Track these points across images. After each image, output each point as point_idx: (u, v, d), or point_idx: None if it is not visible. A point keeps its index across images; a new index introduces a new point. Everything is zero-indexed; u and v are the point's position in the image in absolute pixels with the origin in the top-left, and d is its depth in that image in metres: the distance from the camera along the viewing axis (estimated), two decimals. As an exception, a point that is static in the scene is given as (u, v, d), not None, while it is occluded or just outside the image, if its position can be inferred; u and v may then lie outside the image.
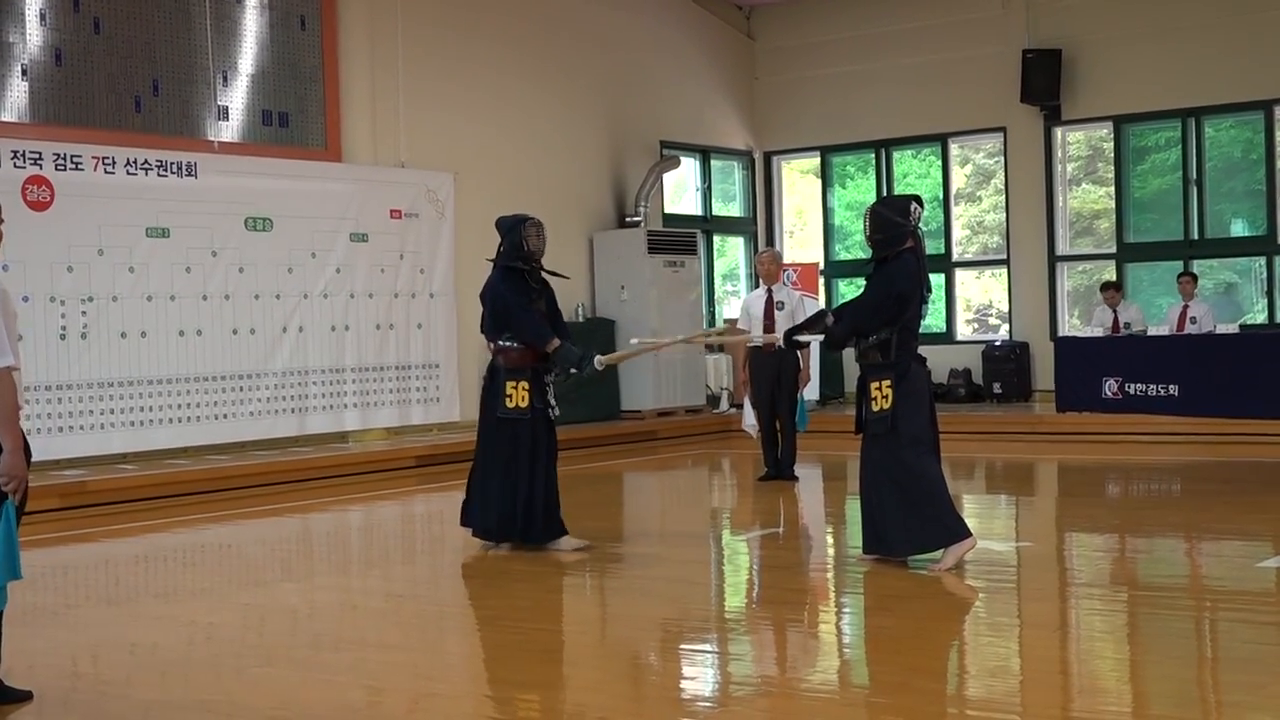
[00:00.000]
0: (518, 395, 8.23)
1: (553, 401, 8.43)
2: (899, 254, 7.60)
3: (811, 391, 16.93)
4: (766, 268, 11.69)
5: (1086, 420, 13.87)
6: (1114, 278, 16.55)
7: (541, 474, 8.32)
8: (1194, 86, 16.35)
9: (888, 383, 7.47)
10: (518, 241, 8.50)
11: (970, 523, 10.07)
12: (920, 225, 7.80)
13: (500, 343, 8.37)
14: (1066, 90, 16.99)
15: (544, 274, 8.59)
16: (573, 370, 8.38)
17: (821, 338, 7.89)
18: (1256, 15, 16.03)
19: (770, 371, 11.33)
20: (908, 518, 7.49)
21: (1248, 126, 16.61)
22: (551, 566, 8.06)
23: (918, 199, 7.75)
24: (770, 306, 11.42)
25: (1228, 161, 16.91)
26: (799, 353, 11.31)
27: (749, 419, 11.76)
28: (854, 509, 10.93)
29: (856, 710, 5.10)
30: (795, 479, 11.49)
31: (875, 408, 7.51)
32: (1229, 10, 16.20)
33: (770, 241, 19.47)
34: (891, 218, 7.64)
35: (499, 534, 8.38)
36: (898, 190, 18.72)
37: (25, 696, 5.29)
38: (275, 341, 13.32)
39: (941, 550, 7.48)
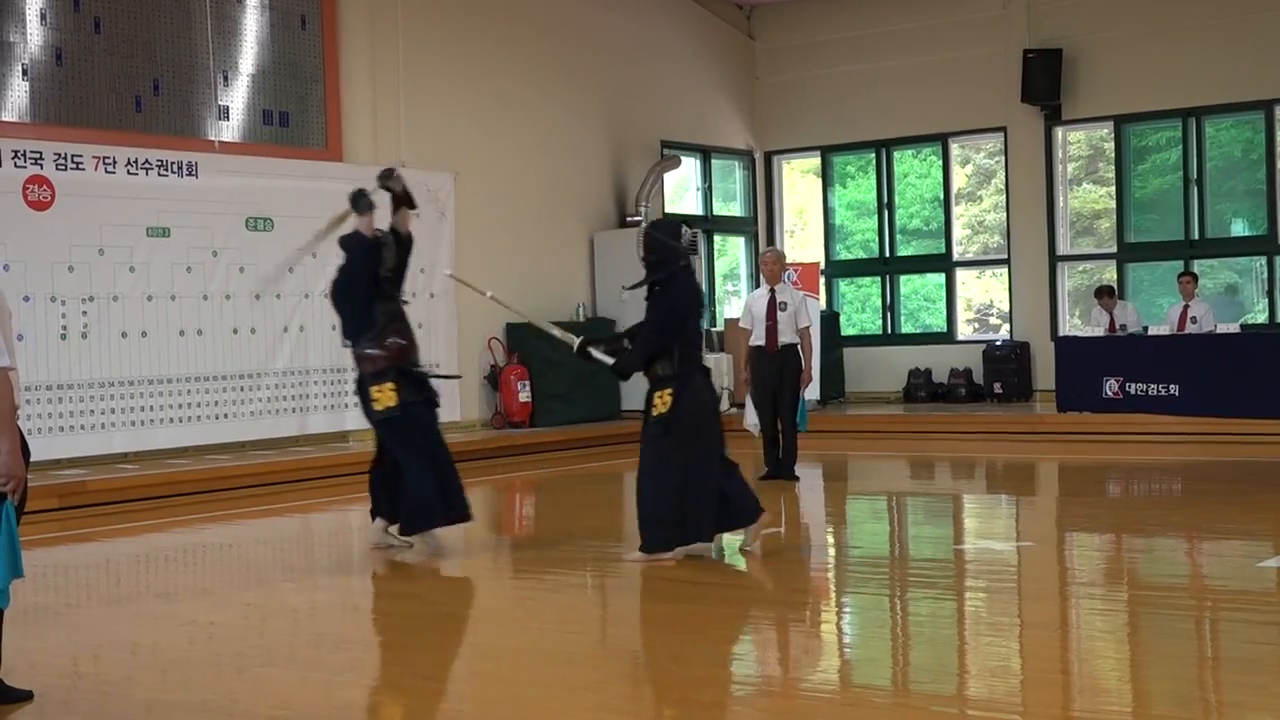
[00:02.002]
0: (384, 396, 8.32)
1: (427, 392, 8.56)
2: (673, 275, 7.85)
3: (812, 391, 16.93)
4: (770, 268, 11.68)
5: (1087, 420, 13.87)
6: (1110, 281, 16.53)
7: (432, 458, 8.49)
8: (1194, 86, 16.35)
9: (669, 392, 7.76)
10: (353, 240, 8.76)
11: (971, 523, 10.12)
12: (691, 246, 8.00)
13: (359, 348, 8.50)
14: (1067, 90, 16.98)
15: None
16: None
17: (611, 360, 8.20)
18: (1257, 15, 16.03)
19: (772, 371, 11.33)
20: (656, 516, 7.76)
21: (1248, 126, 16.61)
22: (551, 566, 8.06)
23: (688, 222, 8.10)
24: (773, 307, 11.41)
25: (1228, 161, 16.91)
26: (800, 353, 11.32)
27: (750, 418, 11.75)
28: (855, 509, 10.96)
29: (857, 710, 5.09)
30: (796, 479, 11.48)
31: (655, 413, 7.80)
32: (1229, 10, 16.20)
33: (771, 241, 19.45)
34: (664, 240, 7.91)
35: (449, 517, 8.48)
36: (898, 190, 18.74)
37: (26, 696, 5.29)
38: (276, 341, 13.32)
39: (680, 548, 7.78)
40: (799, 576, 7.95)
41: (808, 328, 11.44)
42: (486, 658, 6.20)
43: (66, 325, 11.89)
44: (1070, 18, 17.02)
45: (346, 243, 8.68)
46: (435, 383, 8.85)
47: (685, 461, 7.74)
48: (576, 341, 8.43)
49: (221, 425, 12.91)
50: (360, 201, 8.57)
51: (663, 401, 7.75)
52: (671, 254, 7.84)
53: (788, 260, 18.55)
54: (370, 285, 8.54)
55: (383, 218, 8.76)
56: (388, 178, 8.70)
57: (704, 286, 17.72)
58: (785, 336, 11.33)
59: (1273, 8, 15.92)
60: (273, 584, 8.09)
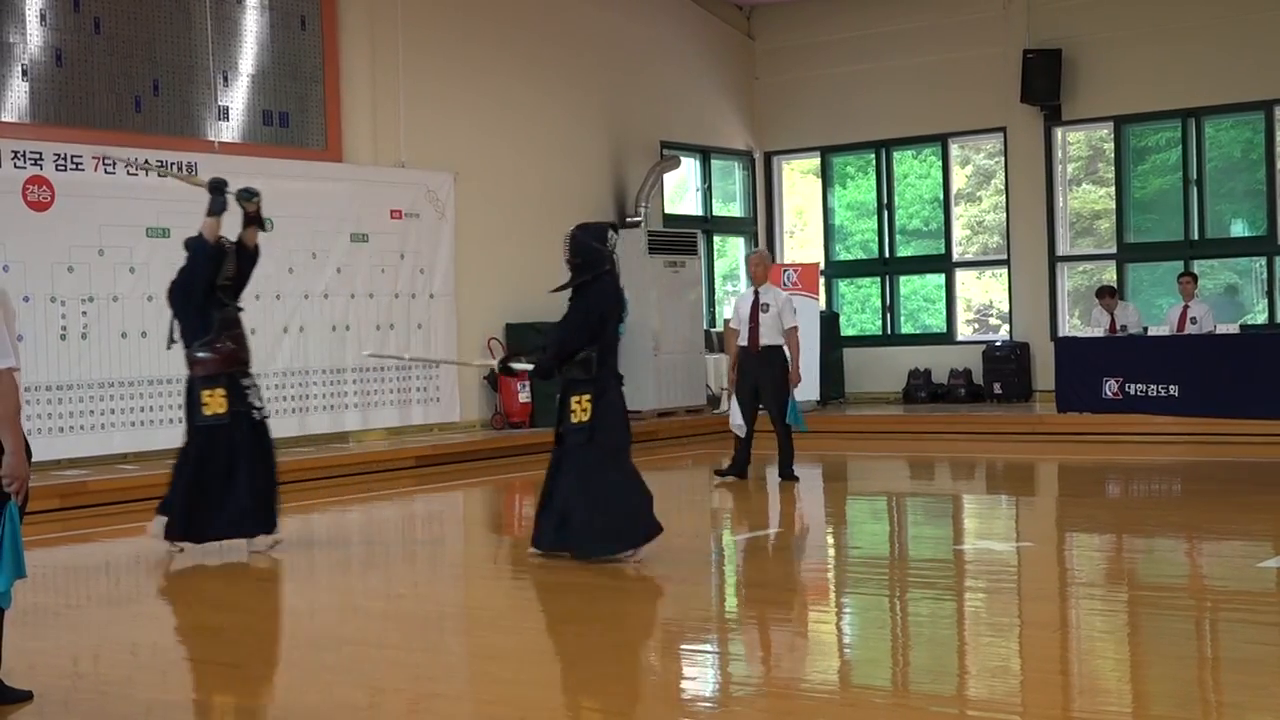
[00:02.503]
0: (214, 402, 8.36)
1: (256, 402, 8.60)
2: (597, 277, 7.85)
3: (811, 392, 16.94)
4: (754, 269, 11.73)
5: (1087, 421, 13.87)
6: (1111, 281, 16.54)
7: (251, 471, 8.49)
8: (1194, 87, 16.35)
9: (588, 397, 7.76)
10: (193, 242, 8.70)
11: (970, 524, 10.12)
12: (616, 250, 8.01)
13: (194, 352, 8.51)
14: (1067, 90, 16.98)
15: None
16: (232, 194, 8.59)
17: (531, 367, 8.19)
18: (1256, 16, 16.03)
19: (753, 372, 11.37)
20: (599, 522, 7.76)
21: (1248, 126, 16.61)
22: (551, 566, 8.06)
23: (614, 226, 8.09)
24: (756, 308, 11.43)
25: (1228, 162, 16.91)
26: (788, 354, 11.34)
27: (735, 418, 11.77)
28: (854, 509, 10.96)
29: (857, 710, 5.10)
30: (795, 479, 11.49)
31: (574, 420, 7.80)
32: (1229, 11, 16.21)
33: (770, 242, 19.47)
34: (590, 243, 7.90)
35: (234, 532, 8.54)
36: (898, 191, 18.74)
37: (26, 697, 5.29)
38: (276, 341, 13.32)
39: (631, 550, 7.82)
40: (798, 577, 7.95)
41: (794, 329, 11.44)
42: (486, 658, 6.20)
43: (66, 325, 11.89)
44: (1070, 18, 17.02)
45: (189, 245, 8.70)
46: (263, 394, 8.86)
47: (611, 467, 7.79)
48: (496, 361, 8.46)
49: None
50: (214, 199, 8.60)
51: (581, 407, 7.76)
52: (597, 257, 7.85)
53: (787, 260, 18.73)
54: (208, 290, 8.57)
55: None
56: (246, 197, 8.72)
57: (703, 287, 17.74)
58: (767, 338, 11.35)
59: (1272, 8, 15.92)
60: (273, 584, 8.08)
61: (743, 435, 11.68)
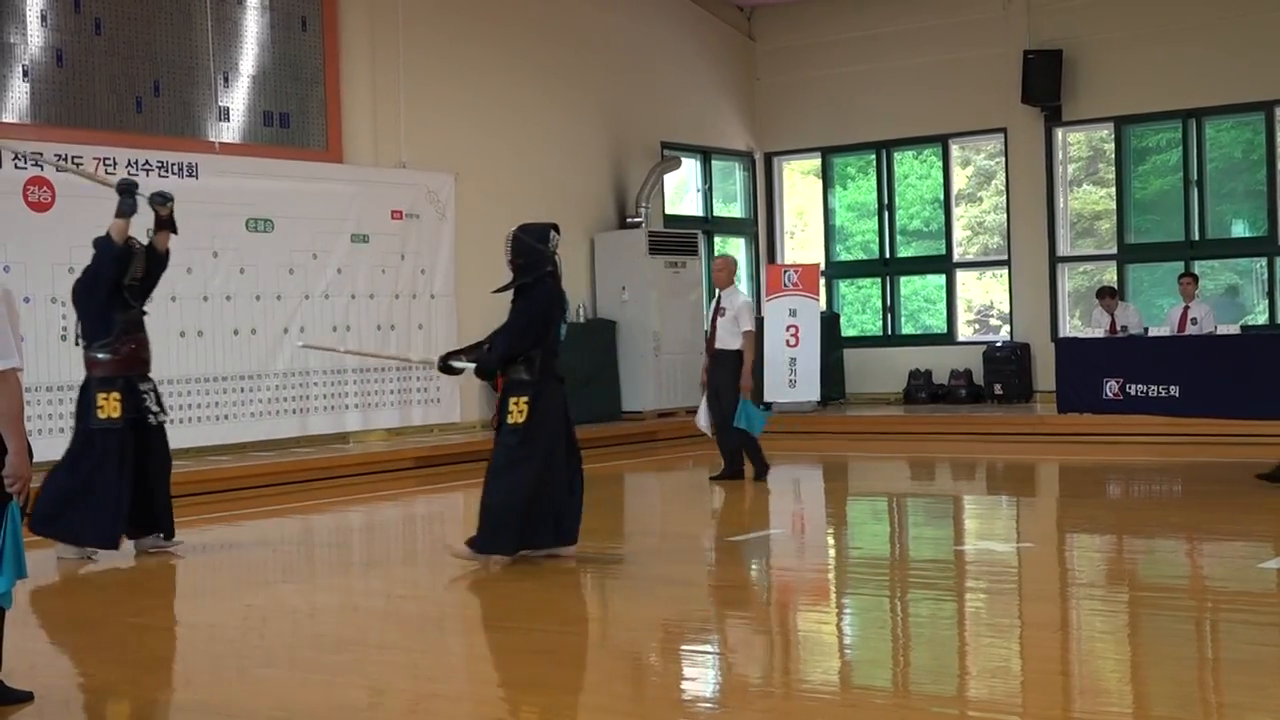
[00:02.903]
0: (109, 405, 8.32)
1: (153, 407, 8.56)
2: (540, 279, 7.85)
3: (812, 392, 16.94)
4: (716, 274, 11.84)
5: (1087, 421, 13.87)
6: (1111, 282, 16.54)
7: (132, 476, 8.46)
8: (1194, 87, 16.35)
9: (525, 399, 7.78)
10: (101, 243, 8.67)
11: (971, 524, 10.12)
12: (558, 251, 8.01)
13: (93, 352, 8.49)
14: (1067, 91, 16.99)
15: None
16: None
17: (473, 366, 8.17)
18: (1257, 16, 16.03)
19: (712, 374, 11.58)
20: (497, 522, 7.80)
21: (1248, 127, 16.61)
22: (552, 567, 8.06)
23: (555, 227, 8.02)
24: (715, 312, 11.59)
25: (1228, 162, 16.91)
26: (742, 358, 11.38)
27: (701, 419, 11.84)
28: (855, 510, 10.96)
29: (857, 711, 5.09)
30: (721, 479, 11.57)
31: (511, 421, 7.81)
32: (1229, 11, 16.21)
33: (771, 242, 19.49)
34: (532, 244, 7.90)
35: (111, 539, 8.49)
36: (898, 191, 18.74)
37: (26, 698, 5.29)
38: (276, 342, 13.32)
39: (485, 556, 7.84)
40: (797, 577, 7.95)
41: (748, 332, 11.52)
42: (486, 659, 6.20)
43: (66, 326, 11.86)
44: (1070, 19, 17.03)
45: (97, 244, 8.68)
46: (162, 399, 8.83)
47: (536, 468, 7.79)
48: (437, 358, 8.44)
49: (222, 426, 12.91)
50: (124, 201, 8.58)
51: (518, 409, 7.77)
52: (538, 258, 7.86)
53: (787, 261, 18.73)
54: (113, 291, 8.55)
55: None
56: (160, 201, 8.74)
57: (703, 288, 17.74)
58: (722, 341, 11.50)
59: (1272, 9, 15.92)
60: (273, 585, 8.09)
61: (710, 435, 11.74)
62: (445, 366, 8.40)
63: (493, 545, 7.86)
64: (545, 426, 7.81)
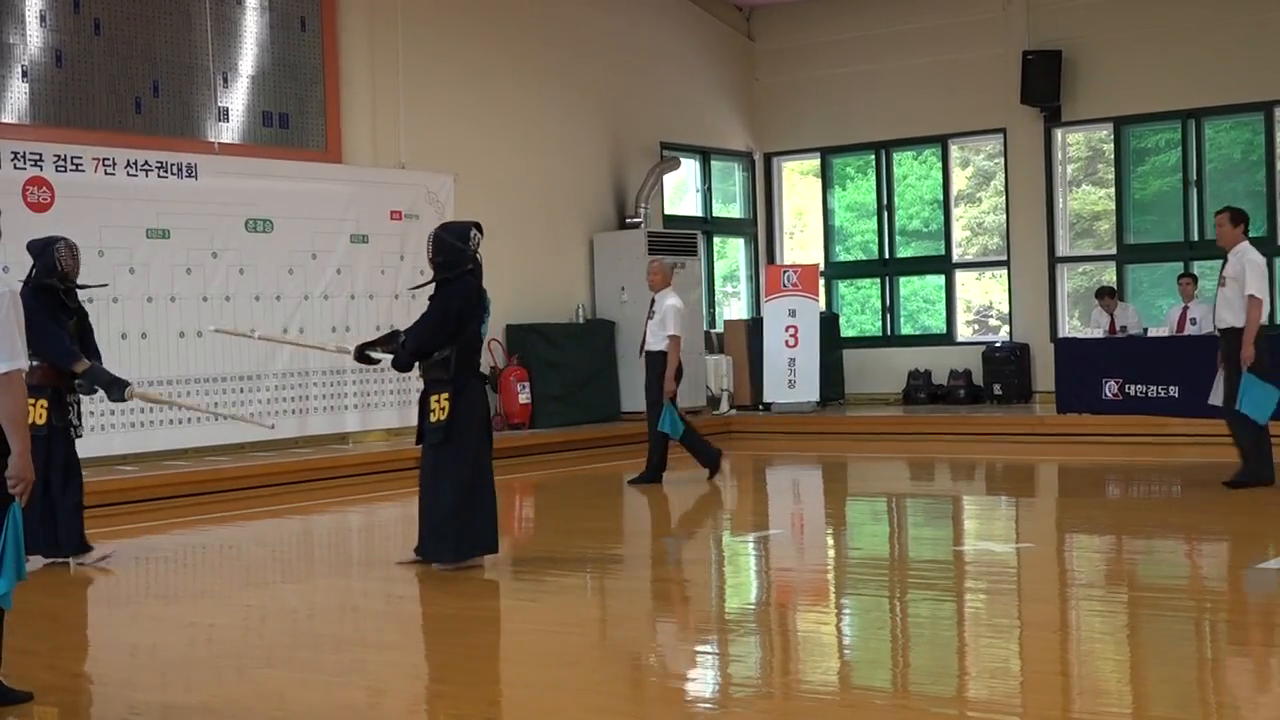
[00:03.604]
0: (34, 413, 8.18)
1: (75, 420, 8.47)
2: (459, 276, 7.87)
3: (811, 393, 16.95)
4: (651, 277, 11.97)
5: (1087, 421, 13.88)
6: (1111, 282, 16.54)
7: (63, 487, 8.35)
8: (1194, 88, 16.35)
9: (446, 396, 7.76)
10: (51, 263, 8.42)
11: (970, 525, 10.12)
12: (479, 250, 8.02)
13: None
14: (1066, 92, 16.99)
15: (79, 292, 8.62)
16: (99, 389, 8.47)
17: (390, 357, 8.18)
18: (1256, 17, 16.03)
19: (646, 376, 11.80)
20: (443, 528, 7.77)
21: (1247, 128, 16.61)
22: (551, 568, 8.06)
23: (478, 225, 8.05)
24: (648, 315, 11.78)
25: (1228, 163, 16.91)
26: (665, 360, 11.49)
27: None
28: (854, 510, 10.97)
29: (857, 711, 5.09)
30: (640, 482, 11.70)
31: (433, 419, 7.80)
32: (1229, 12, 16.21)
33: (770, 242, 19.50)
34: (452, 242, 7.92)
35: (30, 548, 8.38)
36: (898, 192, 18.75)
37: (26, 698, 5.28)
38: (276, 343, 13.31)
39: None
40: (798, 577, 7.95)
41: (673, 337, 11.62)
42: (486, 659, 6.20)
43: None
44: (1070, 19, 17.03)
45: (33, 247, 8.55)
46: (82, 411, 8.70)
47: (466, 469, 7.78)
48: (353, 349, 8.41)
49: (221, 427, 12.89)
50: (99, 388, 8.53)
51: (440, 406, 7.76)
52: (459, 256, 7.89)
53: (786, 261, 18.73)
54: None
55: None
56: (118, 393, 8.57)
57: (703, 288, 17.74)
58: (650, 344, 11.69)
59: (1271, 9, 15.93)
60: (272, 585, 8.09)
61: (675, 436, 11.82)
62: (362, 356, 8.40)
63: (434, 553, 7.83)
64: (470, 424, 7.80)
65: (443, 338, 7.83)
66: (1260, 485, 10.03)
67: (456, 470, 7.76)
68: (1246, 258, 10.11)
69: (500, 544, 8.40)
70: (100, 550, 8.56)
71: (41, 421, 8.23)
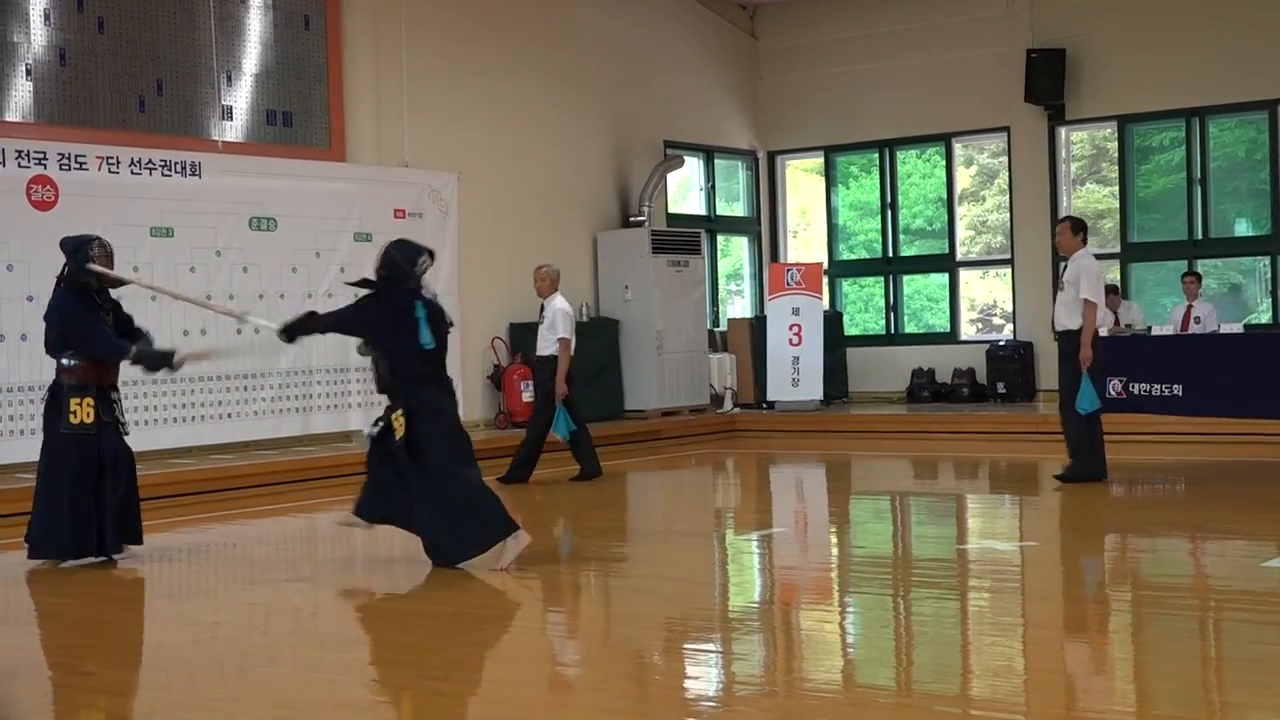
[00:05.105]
0: (82, 411, 8.23)
1: (121, 417, 8.48)
2: (395, 293, 7.97)
3: (815, 391, 16.95)
4: (537, 284, 12.07)
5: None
6: (1115, 280, 16.54)
7: (110, 485, 8.35)
8: (1198, 86, 16.34)
9: (400, 413, 7.85)
10: (84, 261, 8.38)
11: (974, 523, 10.13)
12: (425, 276, 8.11)
13: (63, 361, 8.35)
14: (1070, 90, 16.98)
15: (111, 288, 8.59)
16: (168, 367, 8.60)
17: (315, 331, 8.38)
18: (1260, 15, 16.01)
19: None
20: (456, 526, 7.77)
21: (1252, 126, 16.60)
22: (552, 566, 8.06)
23: (431, 253, 8.18)
24: (539, 320, 11.95)
25: (1232, 161, 16.90)
26: (556, 363, 11.70)
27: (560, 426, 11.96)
28: (858, 509, 10.96)
29: (860, 710, 5.09)
30: (518, 480, 11.78)
31: (397, 437, 7.86)
32: (1233, 10, 16.19)
33: (774, 241, 19.50)
34: (399, 261, 8.02)
35: (78, 550, 8.34)
36: (901, 190, 18.74)
37: None
38: (279, 341, 13.30)
39: (496, 550, 7.81)
40: (800, 576, 7.95)
41: (562, 339, 11.77)
42: (488, 657, 6.20)
43: (70, 325, 11.88)
44: (1074, 18, 17.02)
45: (65, 245, 8.52)
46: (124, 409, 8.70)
47: (451, 470, 7.82)
48: (277, 327, 8.43)
49: (225, 425, 12.92)
50: (148, 362, 8.60)
51: (399, 424, 7.86)
52: (401, 276, 7.99)
53: (790, 260, 18.72)
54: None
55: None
56: (161, 361, 8.64)
57: (706, 287, 17.73)
58: (540, 349, 11.91)
59: (1276, 8, 15.91)
60: (276, 584, 8.09)
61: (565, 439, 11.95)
62: (290, 333, 8.41)
63: (491, 537, 7.83)
64: (429, 432, 7.83)
65: (341, 329, 8.32)
66: (1092, 481, 10.65)
67: (443, 476, 7.79)
68: (1082, 264, 10.65)
69: (502, 543, 8.40)
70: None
71: (90, 420, 8.24)
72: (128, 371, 12.18)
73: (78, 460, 8.26)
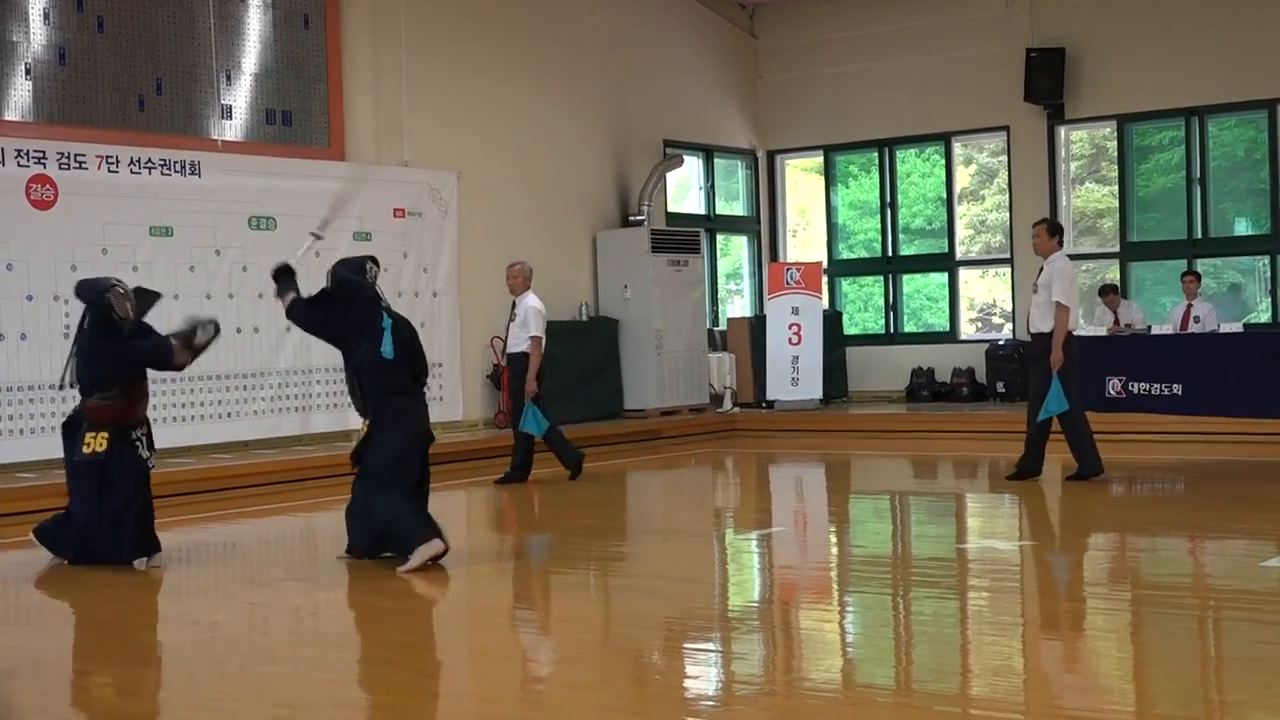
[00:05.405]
0: (95, 443, 8.28)
1: (145, 451, 8.50)
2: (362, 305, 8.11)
3: (814, 390, 16.96)
4: (509, 280, 12.07)
5: (1090, 419, 13.83)
6: (1114, 280, 16.54)
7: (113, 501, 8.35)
8: (1197, 85, 16.34)
9: (367, 423, 8.15)
10: (104, 312, 8.38)
11: (974, 522, 10.13)
12: (376, 281, 8.26)
13: (94, 399, 8.34)
14: (1070, 89, 16.98)
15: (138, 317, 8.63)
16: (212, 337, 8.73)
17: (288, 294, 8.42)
18: (1259, 14, 16.02)
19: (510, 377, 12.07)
20: (413, 516, 7.98)
21: (1251, 125, 16.60)
22: (552, 565, 8.06)
23: (374, 259, 8.31)
24: (510, 318, 11.95)
25: (1231, 160, 16.90)
26: (527, 361, 11.70)
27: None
28: (857, 508, 10.96)
29: (860, 709, 5.09)
30: (520, 481, 11.84)
31: (356, 443, 8.27)
32: (1232, 9, 16.19)
33: (773, 240, 19.50)
34: (348, 276, 8.18)
35: (89, 555, 8.40)
36: (901, 189, 18.74)
37: None
38: (279, 340, 13.32)
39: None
40: (800, 575, 7.95)
41: (535, 337, 11.76)
42: (488, 657, 6.20)
43: (70, 324, 11.87)
44: (1073, 17, 17.02)
45: (81, 293, 8.57)
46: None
47: (393, 477, 8.00)
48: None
49: (224, 424, 12.92)
50: (196, 335, 8.68)
51: (361, 432, 8.15)
52: (355, 289, 8.16)
53: (790, 259, 18.72)
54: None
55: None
56: (205, 332, 8.73)
57: (706, 286, 17.73)
58: (513, 346, 11.91)
59: (1276, 7, 15.91)
60: (276, 583, 8.09)
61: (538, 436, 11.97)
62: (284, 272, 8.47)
63: (406, 545, 7.90)
64: (388, 443, 8.00)
65: (301, 324, 8.40)
66: (1031, 477, 10.95)
67: (381, 479, 7.99)
68: (1055, 266, 10.74)
69: (502, 542, 8.43)
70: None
71: (103, 449, 8.27)
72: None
73: (99, 473, 8.32)
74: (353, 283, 8.14)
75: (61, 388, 8.75)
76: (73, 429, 8.48)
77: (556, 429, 12.07)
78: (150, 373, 8.71)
